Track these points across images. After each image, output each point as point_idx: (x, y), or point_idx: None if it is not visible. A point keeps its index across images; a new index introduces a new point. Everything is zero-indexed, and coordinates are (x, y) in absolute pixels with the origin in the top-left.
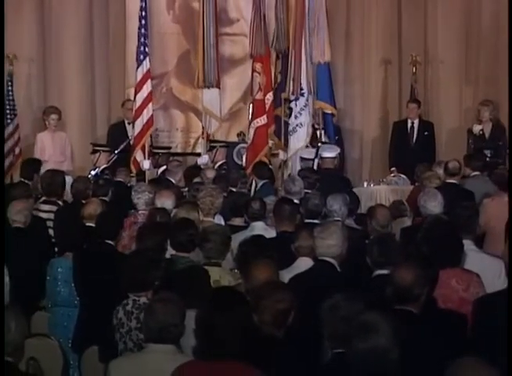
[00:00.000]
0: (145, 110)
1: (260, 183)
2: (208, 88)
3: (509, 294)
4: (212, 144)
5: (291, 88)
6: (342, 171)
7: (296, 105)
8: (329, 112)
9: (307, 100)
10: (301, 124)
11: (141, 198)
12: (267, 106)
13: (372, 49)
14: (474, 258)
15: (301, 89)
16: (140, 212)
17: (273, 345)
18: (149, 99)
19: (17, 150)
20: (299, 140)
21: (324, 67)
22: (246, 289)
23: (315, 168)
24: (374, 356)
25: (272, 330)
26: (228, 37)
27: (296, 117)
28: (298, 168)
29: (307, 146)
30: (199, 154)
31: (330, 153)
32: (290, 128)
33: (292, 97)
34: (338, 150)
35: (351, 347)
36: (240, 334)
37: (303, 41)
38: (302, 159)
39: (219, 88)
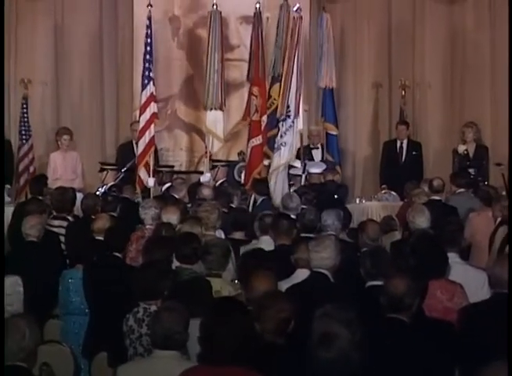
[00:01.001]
0: (147, 131)
1: (259, 199)
2: (211, 110)
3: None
4: (214, 163)
5: (280, 109)
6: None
7: (283, 125)
8: (334, 133)
9: (292, 122)
10: (285, 143)
11: (148, 213)
12: (262, 127)
13: (364, 74)
14: (459, 270)
15: (288, 111)
16: (147, 227)
17: (275, 352)
18: (151, 120)
19: (31, 169)
20: (281, 158)
21: (329, 92)
22: (247, 299)
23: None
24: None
25: (274, 338)
26: (229, 62)
27: (281, 136)
28: (286, 183)
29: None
30: (201, 172)
31: (317, 169)
32: (276, 145)
33: (281, 117)
34: (324, 167)
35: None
36: (242, 341)
37: (295, 67)
38: (290, 175)
39: (222, 110)
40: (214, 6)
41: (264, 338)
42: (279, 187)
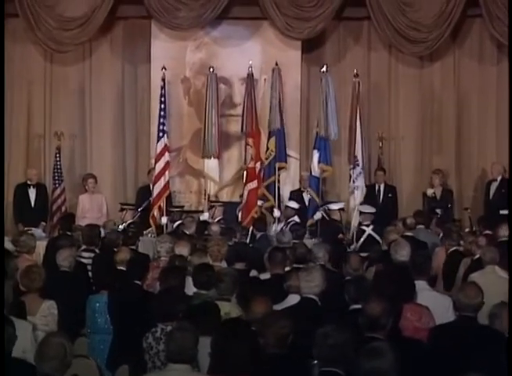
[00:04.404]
0: (162, 177)
1: (258, 235)
2: (209, 158)
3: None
4: (211, 203)
5: (350, 158)
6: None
7: (353, 172)
8: (317, 175)
9: (362, 169)
10: (357, 187)
11: (163, 247)
12: (257, 173)
13: (348, 127)
14: (427, 296)
15: (356, 160)
16: (162, 258)
17: (278, 361)
18: (165, 168)
19: (63, 209)
20: (355, 199)
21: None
22: (247, 320)
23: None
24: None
25: (277, 350)
26: (232, 117)
27: (353, 181)
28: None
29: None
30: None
31: (336, 206)
32: (349, 190)
33: (350, 166)
34: (342, 204)
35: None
36: (246, 354)
37: (358, 123)
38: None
39: (219, 158)
40: (211, 69)
41: (266, 351)
42: (354, 223)
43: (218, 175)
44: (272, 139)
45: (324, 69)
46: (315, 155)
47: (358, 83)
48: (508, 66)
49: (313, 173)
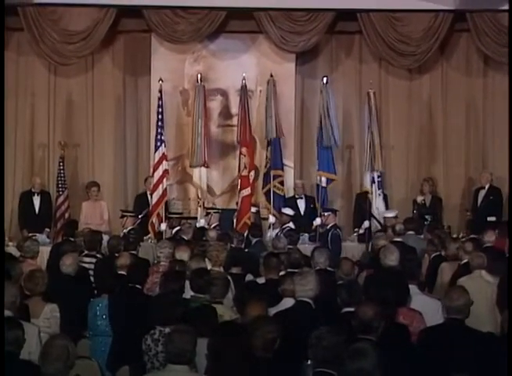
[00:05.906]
0: (160, 185)
1: (254, 240)
2: (195, 167)
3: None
4: (207, 211)
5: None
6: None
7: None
8: (324, 185)
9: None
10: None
11: (163, 252)
12: (250, 181)
13: (340, 138)
14: (418, 299)
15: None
16: (162, 263)
17: (264, 364)
18: (163, 176)
19: (66, 215)
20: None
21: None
22: (243, 322)
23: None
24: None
25: (263, 353)
26: (229, 127)
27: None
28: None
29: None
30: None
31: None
32: (375, 194)
33: (378, 174)
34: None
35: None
36: (242, 356)
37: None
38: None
39: (206, 167)
40: (199, 81)
41: (254, 354)
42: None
43: (206, 183)
44: (270, 148)
45: (325, 81)
46: (316, 164)
47: (374, 94)
48: (508, 76)
49: (316, 181)
